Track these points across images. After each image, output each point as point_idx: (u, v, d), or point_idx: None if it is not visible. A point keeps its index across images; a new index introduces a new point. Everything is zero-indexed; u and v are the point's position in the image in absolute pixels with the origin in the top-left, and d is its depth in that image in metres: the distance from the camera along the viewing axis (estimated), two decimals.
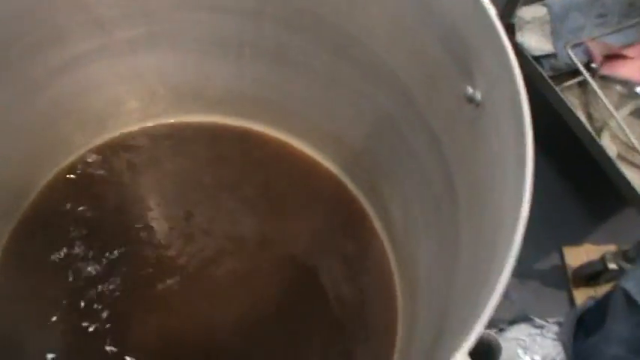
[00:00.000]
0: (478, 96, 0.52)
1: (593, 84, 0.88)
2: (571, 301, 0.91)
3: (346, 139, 0.75)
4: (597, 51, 0.95)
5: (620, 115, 0.88)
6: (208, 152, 0.80)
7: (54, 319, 0.70)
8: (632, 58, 0.93)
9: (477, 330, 0.38)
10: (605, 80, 0.95)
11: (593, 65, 0.94)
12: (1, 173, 0.71)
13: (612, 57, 0.93)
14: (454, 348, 0.37)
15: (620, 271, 0.83)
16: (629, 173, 0.84)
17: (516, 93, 0.46)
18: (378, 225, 0.77)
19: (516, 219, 0.41)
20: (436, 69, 0.57)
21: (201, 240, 0.76)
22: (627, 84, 0.93)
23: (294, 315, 0.72)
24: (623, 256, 0.83)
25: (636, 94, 0.92)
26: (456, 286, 0.54)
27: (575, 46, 0.91)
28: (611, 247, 0.90)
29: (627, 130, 0.84)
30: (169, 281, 0.73)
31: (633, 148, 0.85)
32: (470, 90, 0.53)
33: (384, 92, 0.66)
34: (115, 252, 0.74)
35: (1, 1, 0.60)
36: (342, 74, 0.69)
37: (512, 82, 0.46)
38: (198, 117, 0.81)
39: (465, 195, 0.56)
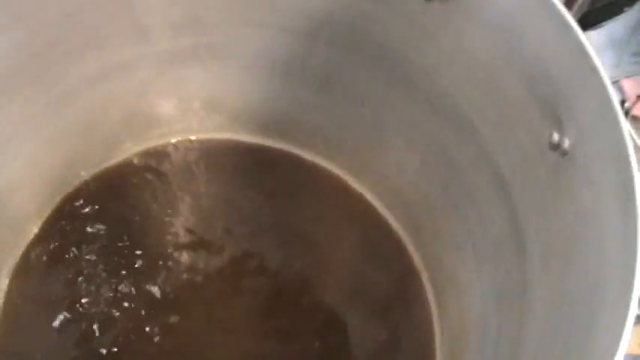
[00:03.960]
0: (566, 144, 0.48)
1: (625, 124, 0.86)
2: None
3: (392, 172, 0.71)
4: (631, 90, 0.93)
5: None
6: (242, 173, 0.77)
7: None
8: None
9: None
10: (637, 121, 0.93)
11: (627, 104, 0.92)
12: (32, 179, 0.68)
13: None
14: None
15: None
16: None
17: (620, 145, 0.42)
18: (420, 265, 0.72)
19: (625, 298, 0.37)
20: (514, 110, 0.53)
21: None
22: None
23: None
24: None
25: None
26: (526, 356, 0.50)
27: None
28: None
29: None
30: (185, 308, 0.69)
31: None
32: (556, 137, 0.49)
33: (444, 127, 0.62)
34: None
35: (43, 6, 0.56)
36: (396, 104, 0.65)
37: (615, 132, 0.43)
38: (235, 135, 0.78)
39: (538, 249, 0.52)
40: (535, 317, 0.51)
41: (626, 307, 0.36)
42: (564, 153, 0.48)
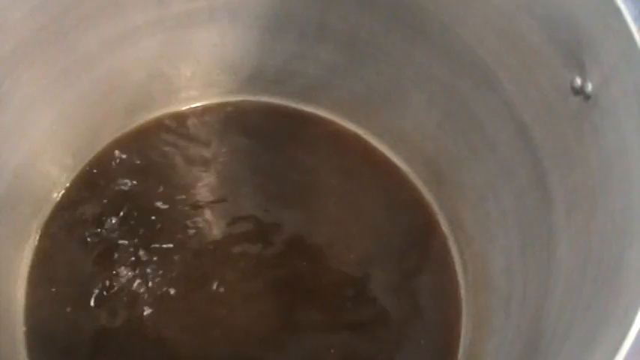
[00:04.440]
0: (589, 88, 0.48)
1: None
2: None
3: (413, 128, 0.71)
4: None
5: None
6: (264, 134, 0.76)
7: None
8: None
9: None
10: None
11: None
12: (54, 145, 0.68)
13: None
14: None
15: None
16: None
17: None
18: (442, 219, 0.73)
19: None
20: (535, 57, 0.53)
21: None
22: None
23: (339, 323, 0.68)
24: None
25: None
26: (554, 302, 0.50)
27: None
28: None
29: None
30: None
31: None
32: (578, 81, 0.49)
33: (463, 78, 0.62)
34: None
35: None
36: (415, 59, 0.65)
37: None
38: (254, 97, 0.77)
39: (562, 196, 0.52)
40: (561, 264, 0.51)
41: None
42: (587, 97, 0.48)
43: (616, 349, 0.34)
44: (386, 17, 0.63)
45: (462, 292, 0.69)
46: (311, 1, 0.66)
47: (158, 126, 0.76)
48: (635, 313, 0.35)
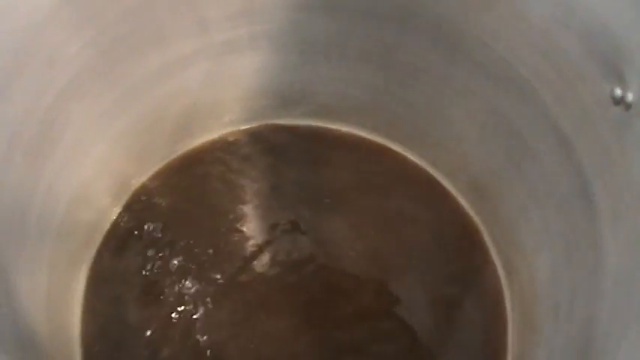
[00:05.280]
0: (629, 98, 0.49)
1: None
2: None
3: (453, 144, 0.72)
4: None
5: None
6: (306, 157, 0.78)
7: None
8: None
9: None
10: None
11: None
12: (100, 178, 0.70)
13: None
14: None
15: None
16: None
17: None
18: (485, 232, 0.74)
19: None
20: (573, 69, 0.54)
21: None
22: None
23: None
24: None
25: None
26: (604, 307, 0.51)
27: None
28: None
29: None
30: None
31: None
32: (618, 91, 0.50)
33: (502, 92, 0.63)
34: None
35: (110, 4, 0.58)
36: (454, 75, 0.66)
37: None
38: (297, 121, 0.79)
39: (607, 202, 0.53)
40: (610, 270, 0.52)
41: None
42: (628, 106, 0.49)
43: None
44: (424, 37, 0.65)
45: (508, 302, 0.70)
46: (351, 23, 0.67)
47: (203, 152, 0.78)
48: None
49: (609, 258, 0.52)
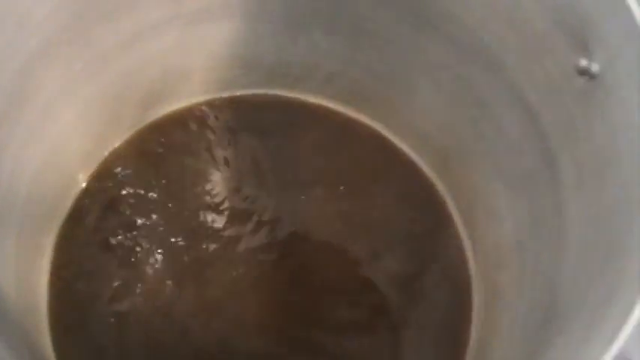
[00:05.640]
0: (595, 68, 0.50)
1: None
2: None
3: (420, 115, 0.73)
4: None
5: None
6: (277, 127, 0.78)
7: None
8: None
9: None
10: None
11: None
12: (69, 144, 0.69)
13: None
14: None
15: None
16: None
17: None
18: (450, 203, 0.75)
19: None
20: (540, 41, 0.55)
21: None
22: None
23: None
24: None
25: None
26: (567, 272, 0.53)
27: None
28: None
29: None
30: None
31: None
32: (584, 62, 0.51)
33: (469, 64, 0.64)
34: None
35: None
36: (421, 46, 0.67)
37: None
38: (268, 90, 0.79)
39: (572, 172, 0.54)
40: (572, 237, 0.54)
41: None
42: (593, 77, 0.50)
43: (632, 304, 0.37)
44: (393, 7, 0.65)
45: (472, 269, 0.72)
46: None
47: (174, 120, 0.78)
48: None
49: (572, 225, 0.54)
